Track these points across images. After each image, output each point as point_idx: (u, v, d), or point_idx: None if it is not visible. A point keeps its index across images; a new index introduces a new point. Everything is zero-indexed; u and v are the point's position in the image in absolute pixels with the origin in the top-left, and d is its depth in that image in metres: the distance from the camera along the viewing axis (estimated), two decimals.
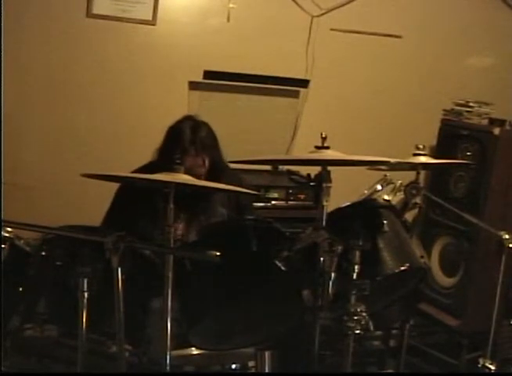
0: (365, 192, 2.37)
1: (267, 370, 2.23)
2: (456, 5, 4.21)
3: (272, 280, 2.03)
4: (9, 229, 2.12)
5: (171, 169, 2.03)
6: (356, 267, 2.01)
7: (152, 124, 3.12)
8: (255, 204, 3.41)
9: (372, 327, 2.00)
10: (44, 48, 3.44)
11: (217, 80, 3.72)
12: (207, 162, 2.74)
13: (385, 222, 2.16)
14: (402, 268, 2.17)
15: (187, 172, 2.72)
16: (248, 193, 2.58)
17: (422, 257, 2.28)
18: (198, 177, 2.71)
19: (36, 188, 3.47)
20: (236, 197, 2.82)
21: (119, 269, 1.74)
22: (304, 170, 2.21)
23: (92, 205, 2.93)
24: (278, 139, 3.94)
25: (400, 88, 4.16)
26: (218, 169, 2.74)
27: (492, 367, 2.36)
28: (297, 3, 3.82)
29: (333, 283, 1.95)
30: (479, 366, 2.39)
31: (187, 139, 2.74)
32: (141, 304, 2.20)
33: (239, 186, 2.41)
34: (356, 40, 3.99)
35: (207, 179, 2.66)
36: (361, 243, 2.02)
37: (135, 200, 2.63)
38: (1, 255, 2.08)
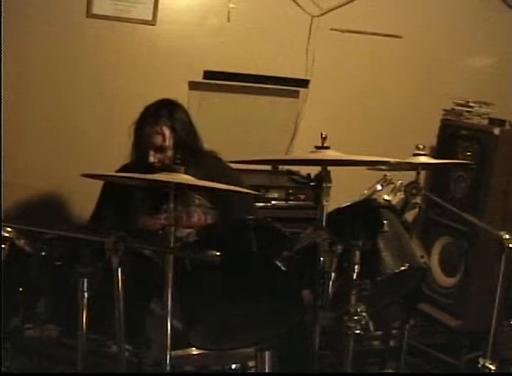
0: (366, 192, 2.37)
1: (267, 370, 2.23)
2: (456, 5, 4.21)
3: (272, 280, 2.03)
4: (9, 229, 2.12)
5: (170, 168, 2.02)
6: (356, 267, 2.01)
7: None
8: (255, 204, 3.42)
9: (372, 327, 2.01)
10: (44, 48, 3.44)
11: (217, 80, 3.72)
12: (167, 133, 2.72)
13: (385, 222, 2.16)
14: (402, 268, 2.18)
15: (147, 143, 2.74)
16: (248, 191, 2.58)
17: (422, 257, 2.28)
18: (161, 150, 2.72)
19: (36, 188, 3.47)
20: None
21: (119, 269, 1.74)
22: (304, 170, 2.21)
23: (92, 205, 2.93)
24: (278, 139, 3.94)
25: (400, 88, 4.16)
26: (187, 150, 2.70)
27: (492, 367, 2.36)
28: (297, 3, 3.83)
29: (333, 283, 1.95)
30: (479, 366, 2.39)
31: (150, 109, 2.76)
32: (141, 304, 2.20)
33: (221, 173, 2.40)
34: (356, 40, 3.98)
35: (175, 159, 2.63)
36: (361, 243, 2.02)
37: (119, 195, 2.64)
38: (1, 255, 2.08)
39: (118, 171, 2.81)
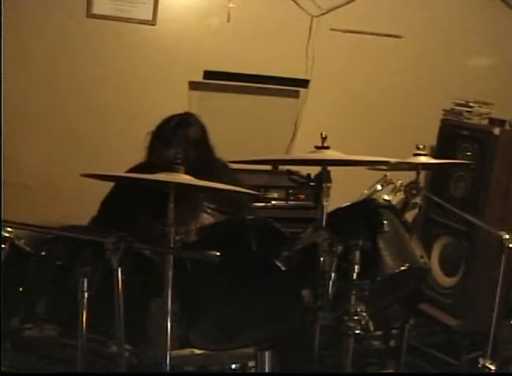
0: (366, 192, 2.37)
1: (267, 370, 2.23)
2: (456, 5, 4.21)
3: (272, 280, 2.03)
4: (9, 229, 2.12)
5: (169, 168, 2.03)
6: (356, 267, 2.01)
7: (152, 124, 3.11)
8: (255, 204, 3.42)
9: (372, 327, 2.01)
10: (44, 48, 3.44)
11: (217, 80, 3.72)
12: (179, 155, 2.72)
13: (385, 222, 2.16)
14: (402, 268, 2.18)
15: (159, 162, 2.75)
16: (247, 193, 2.57)
17: (422, 257, 2.28)
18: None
19: (36, 188, 3.47)
20: (230, 198, 2.80)
21: (119, 269, 1.74)
22: (304, 170, 2.21)
23: (92, 205, 2.93)
24: (278, 139, 3.94)
25: (400, 88, 4.16)
26: (199, 166, 2.70)
27: (492, 367, 2.36)
28: (297, 3, 3.82)
29: (333, 283, 1.95)
30: (479, 366, 2.39)
31: (165, 130, 2.76)
32: (141, 304, 2.20)
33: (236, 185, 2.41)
34: (356, 40, 3.98)
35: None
36: (361, 243, 2.02)
37: (134, 193, 2.62)
38: (1, 255, 2.08)
39: (130, 170, 2.81)
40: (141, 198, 2.62)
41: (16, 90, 3.38)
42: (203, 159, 2.77)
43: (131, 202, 2.69)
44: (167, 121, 2.81)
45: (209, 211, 2.78)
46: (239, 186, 2.45)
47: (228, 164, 2.89)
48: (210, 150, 2.85)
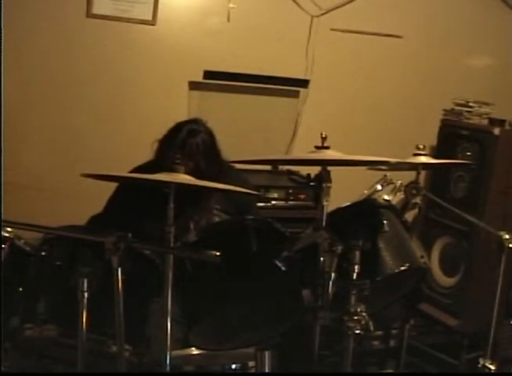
0: (365, 192, 2.37)
1: (267, 370, 2.23)
2: (456, 5, 4.22)
3: (272, 280, 2.03)
4: (9, 229, 2.12)
5: (170, 169, 2.03)
6: (356, 267, 2.01)
7: (152, 124, 3.12)
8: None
9: (372, 327, 2.01)
10: (44, 48, 3.44)
11: (217, 80, 3.72)
12: (190, 165, 2.71)
13: (385, 222, 2.16)
14: (402, 268, 2.17)
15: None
16: (250, 194, 2.57)
17: (422, 257, 2.28)
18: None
19: (36, 188, 3.47)
20: (237, 199, 2.80)
21: (119, 269, 1.73)
22: (304, 170, 2.21)
23: (92, 205, 2.93)
24: (278, 139, 3.94)
25: (400, 88, 4.16)
26: (210, 171, 2.70)
27: (492, 367, 2.36)
28: (297, 3, 3.83)
29: (333, 283, 1.95)
30: (479, 366, 2.39)
31: (176, 138, 2.74)
32: (141, 304, 2.20)
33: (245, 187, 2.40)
34: (356, 40, 3.99)
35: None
36: (361, 243, 2.02)
37: (140, 195, 2.62)
38: (1, 255, 2.08)
39: (137, 168, 2.80)
40: (150, 196, 2.61)
41: (16, 90, 3.38)
42: (212, 163, 2.75)
43: (139, 200, 2.68)
44: (177, 131, 2.77)
45: (217, 212, 2.77)
46: (248, 188, 2.46)
47: (233, 165, 2.89)
48: (219, 154, 2.85)
